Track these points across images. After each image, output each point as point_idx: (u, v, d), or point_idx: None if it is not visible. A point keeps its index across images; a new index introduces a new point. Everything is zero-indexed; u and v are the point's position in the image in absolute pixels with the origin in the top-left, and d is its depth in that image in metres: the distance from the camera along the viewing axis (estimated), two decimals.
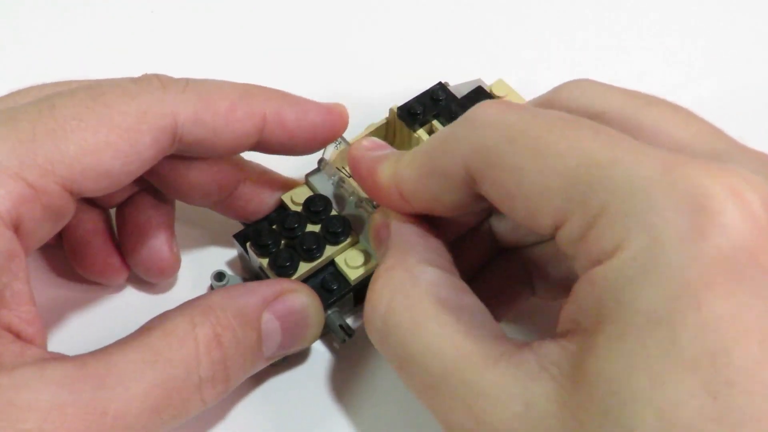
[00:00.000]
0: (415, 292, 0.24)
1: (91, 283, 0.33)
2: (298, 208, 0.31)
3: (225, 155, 0.29)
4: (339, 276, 0.31)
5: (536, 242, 0.30)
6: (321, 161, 0.32)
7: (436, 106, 0.33)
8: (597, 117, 0.25)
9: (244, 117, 0.28)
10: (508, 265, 0.30)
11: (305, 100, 0.30)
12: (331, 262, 0.31)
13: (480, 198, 0.24)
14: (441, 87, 0.34)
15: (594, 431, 0.19)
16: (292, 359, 0.31)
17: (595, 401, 0.19)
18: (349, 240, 0.31)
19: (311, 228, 0.31)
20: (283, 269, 0.30)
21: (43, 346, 0.25)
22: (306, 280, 0.30)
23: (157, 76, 0.27)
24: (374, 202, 0.31)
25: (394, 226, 0.27)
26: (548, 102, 0.27)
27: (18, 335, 0.24)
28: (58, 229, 0.26)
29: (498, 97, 0.34)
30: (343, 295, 0.31)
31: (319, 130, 0.30)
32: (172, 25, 0.42)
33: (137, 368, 0.24)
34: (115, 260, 0.32)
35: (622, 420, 0.18)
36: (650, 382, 0.18)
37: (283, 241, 0.30)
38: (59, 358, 0.24)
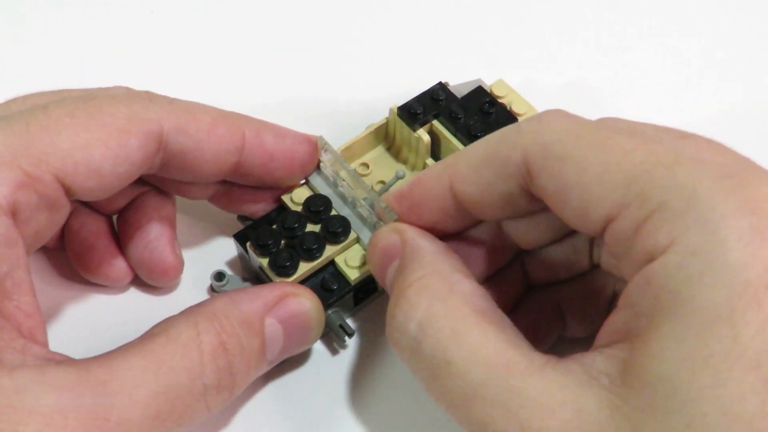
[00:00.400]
0: (453, 300, 0.24)
1: (94, 284, 0.33)
2: (298, 208, 0.31)
3: (207, 177, 0.30)
4: (339, 276, 0.31)
5: (567, 278, 0.30)
6: (320, 161, 0.32)
7: (436, 106, 0.33)
8: None
9: (225, 133, 0.29)
10: (540, 303, 0.30)
11: (282, 126, 0.31)
12: (331, 262, 0.31)
13: (526, 199, 0.25)
14: (441, 87, 0.34)
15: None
16: (293, 360, 0.31)
17: (655, 402, 0.20)
18: (349, 240, 0.31)
19: (311, 228, 0.31)
20: (283, 269, 0.30)
21: (44, 341, 0.25)
22: (306, 279, 0.30)
23: (144, 91, 0.28)
24: (373, 205, 0.31)
25: (414, 240, 0.27)
26: None
27: (19, 328, 0.24)
28: (55, 225, 0.26)
29: (498, 97, 0.34)
30: (343, 295, 0.31)
31: (296, 155, 0.31)
32: (172, 25, 0.42)
33: (140, 375, 0.24)
34: (119, 262, 0.32)
35: (686, 418, 0.19)
36: (713, 380, 0.19)
37: (283, 241, 0.30)
38: (61, 361, 0.23)
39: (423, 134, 0.33)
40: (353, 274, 0.30)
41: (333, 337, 0.32)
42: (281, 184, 0.32)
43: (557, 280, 0.30)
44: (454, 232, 0.28)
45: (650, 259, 0.21)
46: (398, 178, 0.33)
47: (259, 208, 0.32)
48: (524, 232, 0.29)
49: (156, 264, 0.31)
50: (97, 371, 0.23)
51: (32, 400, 0.22)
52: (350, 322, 0.32)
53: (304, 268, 0.30)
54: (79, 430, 0.22)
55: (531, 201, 0.25)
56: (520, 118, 0.33)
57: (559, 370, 0.22)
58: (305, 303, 0.29)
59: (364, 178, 0.33)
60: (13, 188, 0.24)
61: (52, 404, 0.22)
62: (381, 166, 0.35)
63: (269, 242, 0.30)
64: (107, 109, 0.26)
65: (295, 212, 0.31)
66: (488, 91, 0.34)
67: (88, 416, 0.22)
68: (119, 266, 0.32)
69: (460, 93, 0.34)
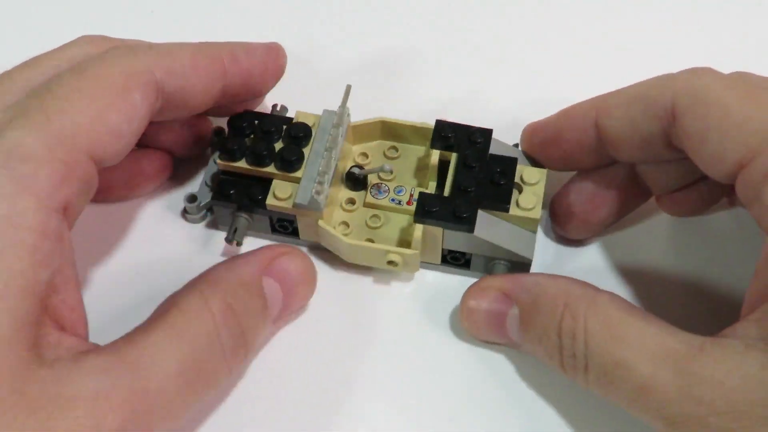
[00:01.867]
0: (602, 311, 0.27)
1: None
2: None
3: (198, 109, 0.31)
4: (264, 192, 0.32)
5: (647, 159, 0.31)
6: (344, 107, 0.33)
7: (466, 144, 0.32)
8: None
9: (205, 63, 0.30)
10: (620, 175, 0.33)
11: (247, 42, 0.32)
12: (269, 180, 0.32)
13: (664, 144, 0.28)
14: (484, 134, 0.32)
15: None
16: None
17: None
18: (293, 173, 0.32)
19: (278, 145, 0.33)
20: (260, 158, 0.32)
21: (83, 333, 0.26)
22: (244, 176, 0.33)
23: (123, 44, 0.29)
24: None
25: (520, 282, 0.30)
26: None
27: (61, 322, 0.25)
28: (87, 202, 0.27)
29: (525, 182, 0.32)
30: (251, 209, 0.32)
31: (268, 66, 0.32)
32: (172, 25, 0.42)
33: (166, 348, 0.25)
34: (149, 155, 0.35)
35: None
36: None
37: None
38: (93, 349, 0.25)
39: (435, 154, 0.33)
40: (271, 201, 0.32)
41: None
42: (258, 96, 0.33)
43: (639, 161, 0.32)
44: (587, 167, 0.32)
45: None
46: (382, 170, 0.33)
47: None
48: (657, 177, 0.32)
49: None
50: (126, 352, 0.25)
51: (75, 387, 0.23)
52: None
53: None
54: (124, 407, 0.23)
55: (668, 148, 0.28)
56: (521, 212, 0.31)
57: (717, 345, 0.24)
58: (297, 261, 0.31)
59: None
60: (59, 183, 0.24)
61: (93, 388, 0.23)
62: (379, 162, 0.35)
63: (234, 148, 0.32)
64: (104, 73, 0.27)
65: (276, 121, 0.33)
66: (517, 169, 0.32)
67: (129, 393, 0.24)
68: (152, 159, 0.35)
69: (496, 149, 0.33)
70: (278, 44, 0.33)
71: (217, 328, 0.27)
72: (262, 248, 0.31)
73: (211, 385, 0.27)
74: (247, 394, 0.31)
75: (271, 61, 0.33)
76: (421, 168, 0.34)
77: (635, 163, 0.32)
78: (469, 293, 0.31)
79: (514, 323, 0.29)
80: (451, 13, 0.43)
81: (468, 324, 0.31)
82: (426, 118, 0.34)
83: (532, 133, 0.33)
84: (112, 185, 0.34)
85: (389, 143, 0.35)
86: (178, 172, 0.36)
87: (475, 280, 0.33)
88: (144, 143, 0.34)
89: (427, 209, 0.31)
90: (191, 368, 0.26)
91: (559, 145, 0.32)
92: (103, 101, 0.26)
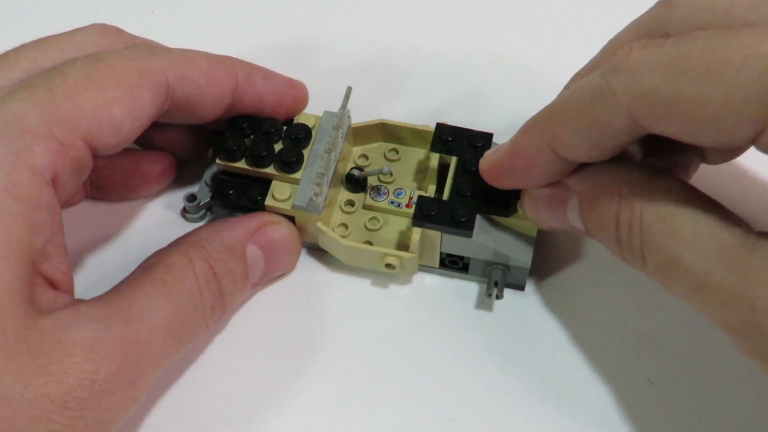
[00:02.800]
0: (657, 197, 0.25)
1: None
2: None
3: (205, 119, 0.31)
4: (263, 192, 0.32)
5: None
6: (344, 109, 0.33)
7: (466, 149, 0.32)
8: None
9: (221, 76, 0.30)
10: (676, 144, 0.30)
11: (270, 70, 0.32)
12: (268, 181, 0.32)
13: (642, 136, 0.25)
14: (485, 137, 0.32)
15: None
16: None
17: None
18: (292, 175, 0.32)
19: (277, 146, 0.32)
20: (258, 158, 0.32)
21: (72, 292, 0.27)
22: (242, 176, 0.32)
23: (144, 42, 0.30)
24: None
25: (580, 174, 0.27)
26: (659, 26, 0.26)
27: (55, 285, 0.26)
28: (79, 185, 0.28)
29: None
30: (247, 208, 0.32)
31: (284, 98, 0.32)
32: (172, 25, 0.42)
33: (154, 301, 0.27)
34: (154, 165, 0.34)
35: None
36: None
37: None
38: (85, 301, 0.26)
39: (435, 158, 0.33)
40: (269, 202, 0.32)
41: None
42: None
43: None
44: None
45: None
46: (382, 172, 0.33)
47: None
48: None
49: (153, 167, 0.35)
50: (118, 303, 0.26)
51: (73, 334, 0.24)
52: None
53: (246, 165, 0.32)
54: (118, 354, 0.25)
55: (649, 137, 0.25)
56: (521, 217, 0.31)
57: None
58: (282, 230, 0.32)
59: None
60: (53, 158, 0.25)
61: (90, 335, 0.24)
62: (379, 164, 0.35)
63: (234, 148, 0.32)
64: (117, 66, 0.27)
65: (276, 122, 0.32)
66: None
67: (121, 341, 0.25)
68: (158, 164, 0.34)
69: None
70: (301, 83, 0.33)
71: (200, 288, 0.28)
72: (250, 215, 0.31)
73: (191, 339, 0.28)
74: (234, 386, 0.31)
75: (288, 95, 0.33)
76: (421, 171, 0.34)
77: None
78: None
79: (575, 212, 0.28)
80: (454, 14, 0.42)
81: (529, 208, 0.29)
82: (428, 119, 0.34)
83: (495, 178, 0.30)
84: (113, 184, 0.34)
85: (390, 145, 0.35)
86: (179, 171, 0.36)
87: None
88: (146, 144, 0.35)
89: (425, 213, 0.30)
90: (176, 322, 0.27)
91: (528, 181, 0.29)
92: (111, 93, 0.27)
